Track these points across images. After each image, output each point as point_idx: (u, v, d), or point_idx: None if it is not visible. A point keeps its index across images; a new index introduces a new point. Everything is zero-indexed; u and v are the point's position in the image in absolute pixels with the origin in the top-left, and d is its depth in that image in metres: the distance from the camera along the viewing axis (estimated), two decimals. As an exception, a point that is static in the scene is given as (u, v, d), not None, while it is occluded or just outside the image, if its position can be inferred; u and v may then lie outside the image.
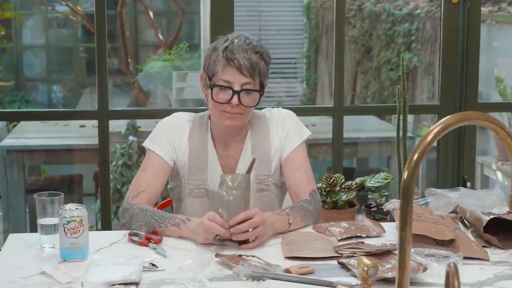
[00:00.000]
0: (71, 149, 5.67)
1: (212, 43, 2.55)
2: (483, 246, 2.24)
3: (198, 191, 2.54)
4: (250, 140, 2.56)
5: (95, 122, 3.83)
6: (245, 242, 2.21)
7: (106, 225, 3.64)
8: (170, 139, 2.53)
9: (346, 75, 3.92)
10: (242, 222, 2.19)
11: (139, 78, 7.22)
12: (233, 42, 2.43)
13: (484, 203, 2.37)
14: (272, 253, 2.17)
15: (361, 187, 2.97)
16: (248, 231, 2.19)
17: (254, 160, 2.36)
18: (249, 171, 2.31)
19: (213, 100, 2.44)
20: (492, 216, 2.29)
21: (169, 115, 2.66)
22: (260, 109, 2.64)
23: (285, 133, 2.57)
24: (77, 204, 2.13)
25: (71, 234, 2.08)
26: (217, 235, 2.21)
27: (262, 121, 2.59)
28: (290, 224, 2.35)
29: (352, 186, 2.96)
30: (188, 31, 8.86)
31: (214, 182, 2.51)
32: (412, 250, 2.00)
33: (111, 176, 4.18)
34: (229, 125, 2.47)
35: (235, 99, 2.41)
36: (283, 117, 2.60)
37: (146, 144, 2.55)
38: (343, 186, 2.96)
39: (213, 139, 2.56)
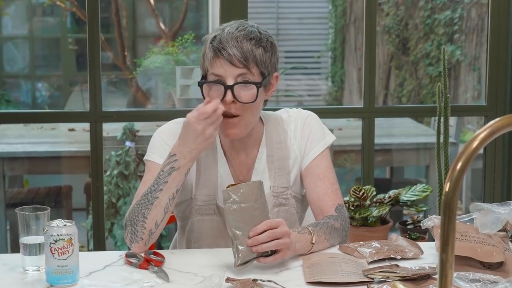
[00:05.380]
0: (59, 156, 5.70)
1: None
2: (537, 270, 2.24)
3: (207, 208, 2.52)
4: (265, 146, 2.55)
5: (86, 125, 3.86)
6: (266, 255, 2.20)
7: (99, 245, 3.64)
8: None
9: (378, 71, 3.92)
10: (263, 232, 2.18)
11: (137, 74, 7.25)
12: (223, 30, 2.39)
13: (539, 220, 2.37)
14: (292, 278, 2.18)
15: (395, 201, 2.97)
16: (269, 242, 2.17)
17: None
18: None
19: None
20: (548, 235, 2.29)
21: (172, 116, 2.65)
22: (277, 110, 2.64)
23: (305, 138, 2.56)
24: (66, 220, 2.13)
25: (59, 255, 2.09)
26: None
27: (279, 124, 2.57)
28: (312, 244, 2.34)
29: (385, 199, 2.96)
30: (194, 19, 8.88)
31: (226, 196, 2.50)
32: (455, 274, 2.00)
33: (105, 188, 4.20)
34: (230, 136, 2.44)
35: (228, 96, 2.36)
36: (303, 119, 2.58)
37: (145, 157, 2.54)
38: (374, 199, 2.96)
39: (222, 147, 2.54)
